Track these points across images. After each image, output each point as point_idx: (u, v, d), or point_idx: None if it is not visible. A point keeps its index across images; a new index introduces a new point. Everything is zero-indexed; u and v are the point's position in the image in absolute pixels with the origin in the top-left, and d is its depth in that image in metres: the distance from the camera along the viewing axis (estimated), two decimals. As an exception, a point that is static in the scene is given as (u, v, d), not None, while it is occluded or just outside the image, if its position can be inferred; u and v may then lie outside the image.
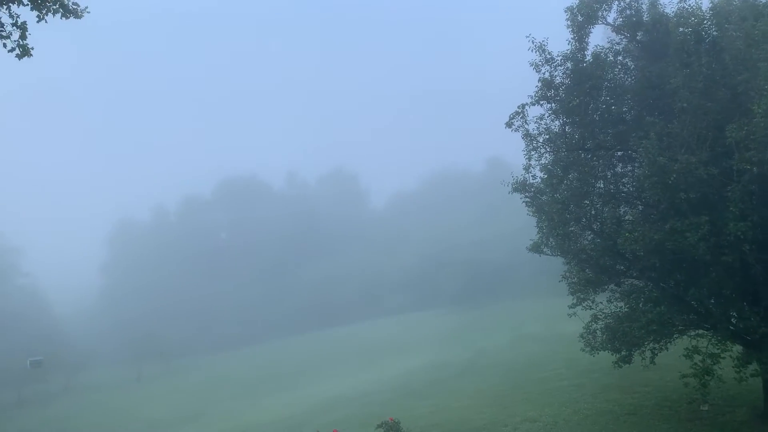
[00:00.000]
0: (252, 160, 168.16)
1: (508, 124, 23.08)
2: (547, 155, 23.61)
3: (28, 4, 15.97)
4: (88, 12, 16.26)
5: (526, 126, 23.16)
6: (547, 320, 54.59)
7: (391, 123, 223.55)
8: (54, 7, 15.78)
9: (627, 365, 22.38)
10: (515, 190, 24.03)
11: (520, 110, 22.88)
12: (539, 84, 22.84)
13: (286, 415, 40.07)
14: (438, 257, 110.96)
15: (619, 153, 23.66)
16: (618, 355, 22.08)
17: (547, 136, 23.33)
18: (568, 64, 22.39)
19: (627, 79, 23.11)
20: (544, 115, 23.40)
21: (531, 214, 24.32)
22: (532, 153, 23.57)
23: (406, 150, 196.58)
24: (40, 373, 79.13)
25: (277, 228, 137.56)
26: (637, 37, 22.78)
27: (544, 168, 23.56)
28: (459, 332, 66.89)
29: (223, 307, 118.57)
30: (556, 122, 23.33)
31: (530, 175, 23.94)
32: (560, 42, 23.24)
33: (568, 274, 24.21)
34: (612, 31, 23.50)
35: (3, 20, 16.11)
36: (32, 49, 16.33)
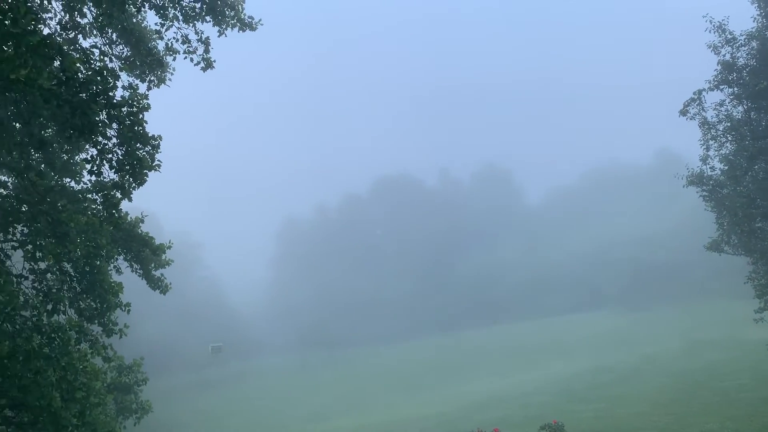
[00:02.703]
0: (405, 158, 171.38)
1: (683, 112, 21.40)
2: (728, 144, 21.65)
3: (210, 21, 17.59)
4: (262, 24, 17.54)
5: (703, 113, 21.39)
6: (727, 325, 49.85)
7: (547, 116, 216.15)
8: (232, 21, 17.22)
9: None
10: (690, 183, 22.22)
11: (696, 96, 21.14)
12: (718, 67, 20.96)
13: (443, 411, 40.33)
14: (600, 255, 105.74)
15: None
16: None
17: (729, 124, 21.34)
18: (754, 44, 20.31)
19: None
20: (724, 100, 21.44)
21: (709, 209, 22.37)
22: (711, 142, 21.73)
23: (563, 143, 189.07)
24: (220, 358, 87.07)
25: (430, 224, 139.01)
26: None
27: (724, 159, 21.61)
28: (623, 335, 63.22)
29: (382, 301, 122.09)
30: (739, 108, 21.31)
31: (708, 166, 22.09)
32: (742, 21, 21.08)
33: (754, 275, 21.95)
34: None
35: (189, 37, 17.93)
36: (214, 62, 18.00)
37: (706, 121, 21.28)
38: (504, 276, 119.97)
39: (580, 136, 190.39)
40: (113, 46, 18.14)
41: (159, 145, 15.20)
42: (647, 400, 31.74)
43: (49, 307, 16.45)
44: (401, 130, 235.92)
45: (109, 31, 18.13)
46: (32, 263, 16.84)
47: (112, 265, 19.04)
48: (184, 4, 16.80)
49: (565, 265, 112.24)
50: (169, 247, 20.50)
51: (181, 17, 17.25)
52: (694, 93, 20.95)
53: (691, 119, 21.44)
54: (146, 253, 19.68)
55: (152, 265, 20.35)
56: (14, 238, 17.26)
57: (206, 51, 17.81)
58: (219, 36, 17.33)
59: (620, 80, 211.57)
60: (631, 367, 44.55)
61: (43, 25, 15.87)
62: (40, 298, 16.83)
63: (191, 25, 17.55)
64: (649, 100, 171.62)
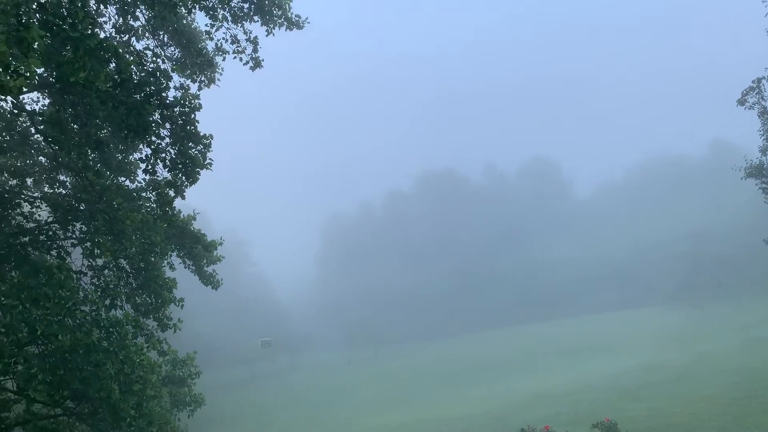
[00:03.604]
0: (450, 154, 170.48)
1: (740, 102, 20.62)
2: (790, 135, 20.69)
3: (258, 21, 17.82)
4: (308, 23, 17.68)
5: (762, 102, 20.53)
6: (787, 322, 47.92)
7: (595, 108, 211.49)
8: (280, 21, 17.40)
9: None
10: (749, 175, 21.41)
11: (755, 85, 20.35)
12: (779, 53, 20.07)
13: (489, 409, 40.03)
14: (652, 250, 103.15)
15: None
16: None
17: (791, 113, 20.42)
18: (818, 28, 19.35)
19: None
20: (786, 88, 20.51)
21: (769, 202, 21.48)
22: (772, 133, 20.80)
23: (612, 135, 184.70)
24: (269, 352, 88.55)
25: (475, 220, 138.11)
26: None
27: (786, 149, 20.67)
28: (676, 332, 61.49)
29: (426, 297, 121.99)
30: (803, 96, 20.32)
31: (768, 157, 21.17)
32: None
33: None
34: None
35: (238, 37, 18.19)
36: (263, 61, 18.23)
37: (766, 110, 20.45)
38: (551, 272, 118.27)
39: (630, 128, 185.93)
40: (165, 48, 18.56)
41: (210, 144, 15.51)
42: (703, 398, 30.80)
43: (107, 302, 17.01)
44: (446, 125, 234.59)
45: (161, 33, 18.56)
46: (91, 260, 17.43)
47: (165, 262, 19.54)
48: (233, 4, 17.06)
49: (616, 260, 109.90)
50: (220, 244, 20.91)
51: (230, 18, 17.51)
52: (753, 81, 20.17)
53: (749, 109, 20.64)
54: (198, 250, 20.11)
55: (204, 261, 20.78)
56: (73, 236, 17.90)
57: (254, 50, 18.03)
58: (267, 35, 17.53)
59: (671, 70, 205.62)
60: (686, 364, 43.31)
61: (99, 29, 16.35)
62: (99, 293, 17.40)
63: (240, 25, 17.80)
64: (703, 90, 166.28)
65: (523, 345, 77.01)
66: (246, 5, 17.16)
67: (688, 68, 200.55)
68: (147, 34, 18.55)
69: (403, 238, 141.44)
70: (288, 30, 17.62)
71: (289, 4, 17.17)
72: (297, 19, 17.51)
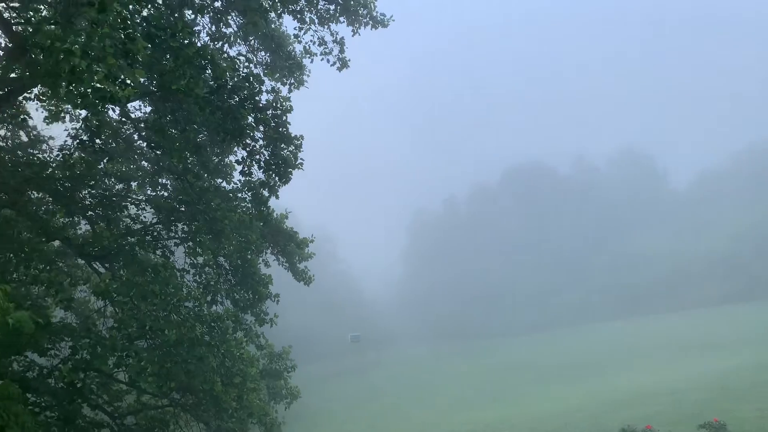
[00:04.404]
0: (537, 146, 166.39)
1: None
2: None
3: (344, 21, 18.17)
4: (393, 20, 17.83)
5: None
6: None
7: (691, 94, 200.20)
8: (365, 20, 17.66)
9: None
10: None
11: None
12: None
13: (586, 406, 38.86)
14: (757, 242, 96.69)
15: None
16: None
17: None
18: None
19: None
20: None
21: None
22: None
23: (710, 122, 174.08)
24: (358, 347, 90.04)
25: (564, 214, 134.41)
26: None
27: None
28: (789, 329, 57.39)
29: (515, 292, 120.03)
30: None
31: None
32: None
33: None
34: None
35: (325, 38, 18.60)
36: (349, 61, 18.56)
37: None
38: (647, 266, 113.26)
39: (730, 113, 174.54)
40: (256, 53, 19.26)
41: (301, 144, 15.97)
42: (824, 401, 28.58)
43: (209, 298, 17.86)
44: (532, 116, 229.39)
45: (251, 38, 19.27)
46: (192, 258, 18.35)
47: (261, 259, 20.30)
48: (320, 7, 17.46)
49: (717, 253, 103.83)
50: (312, 241, 21.51)
51: (316, 20, 17.95)
52: None
53: None
54: (291, 247, 20.77)
55: (296, 258, 21.44)
56: (176, 236, 18.90)
57: (341, 51, 18.40)
58: (353, 35, 17.83)
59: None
60: (801, 364, 40.32)
61: (195, 38, 17.17)
62: (201, 290, 18.30)
63: (326, 26, 18.23)
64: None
65: (618, 341, 74.27)
66: (332, 7, 17.55)
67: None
68: (239, 41, 19.32)
69: (490, 233, 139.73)
70: (373, 29, 17.88)
71: (374, 3, 17.41)
72: (382, 17, 17.74)
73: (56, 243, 18.54)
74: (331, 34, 18.22)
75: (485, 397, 53.77)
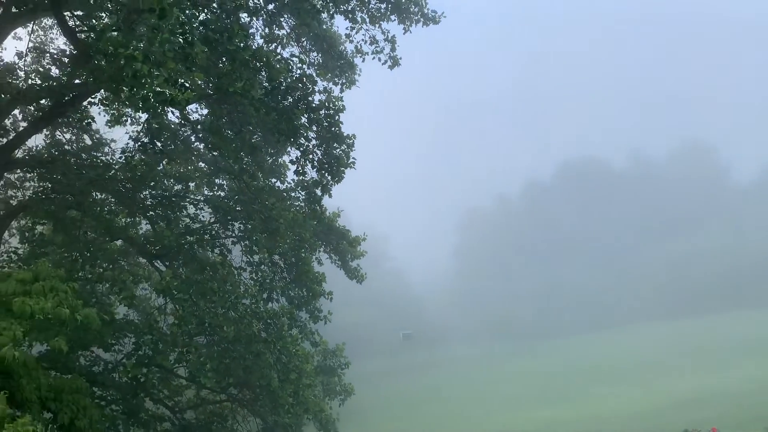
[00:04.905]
0: (591, 140, 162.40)
1: None
2: None
3: (395, 20, 18.17)
4: (445, 17, 17.73)
5: None
6: None
7: (756, 81, 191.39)
8: (416, 17, 17.62)
9: None
10: None
11: None
12: None
13: (649, 407, 37.82)
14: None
15: None
16: None
17: None
18: None
19: None
20: None
21: None
22: None
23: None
24: (410, 345, 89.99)
25: (620, 210, 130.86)
26: None
27: None
28: None
29: (570, 291, 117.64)
30: None
31: None
32: None
33: None
34: None
35: (377, 37, 18.65)
36: (400, 59, 18.56)
37: None
38: (706, 263, 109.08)
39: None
40: (308, 54, 19.46)
41: (353, 143, 16.05)
42: None
43: (265, 295, 18.17)
44: (584, 110, 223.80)
45: (304, 40, 19.49)
46: (249, 256, 18.70)
47: (314, 257, 20.52)
48: (371, 6, 17.50)
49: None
50: (364, 239, 21.63)
51: (367, 19, 18.00)
52: None
53: None
54: (344, 245, 20.94)
55: (349, 256, 21.60)
56: (233, 234, 19.31)
57: (392, 49, 18.41)
58: (404, 33, 17.82)
59: None
60: None
61: (250, 41, 17.49)
62: (257, 287, 18.64)
63: (377, 25, 18.26)
64: None
65: (678, 341, 71.84)
66: (383, 5, 17.56)
67: None
68: (291, 42, 19.57)
69: (543, 230, 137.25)
70: (425, 26, 17.83)
71: (425, 0, 17.33)
72: (433, 14, 17.66)
73: (119, 242, 19.20)
74: (383, 33, 18.26)
75: (541, 398, 52.89)
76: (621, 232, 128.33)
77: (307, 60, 18.86)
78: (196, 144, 20.82)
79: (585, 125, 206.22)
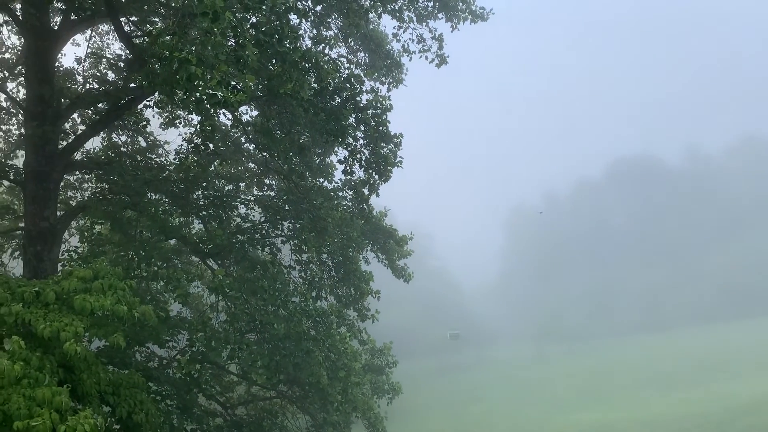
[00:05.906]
0: (645, 137, 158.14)
1: None
2: None
3: (442, 18, 18.08)
4: (493, 14, 17.54)
5: None
6: None
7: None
8: (464, 15, 17.49)
9: None
10: None
11: None
12: None
13: (703, 411, 36.66)
14: None
15: None
16: None
17: None
18: None
19: None
20: None
21: None
22: None
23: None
24: (456, 345, 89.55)
25: (675, 209, 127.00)
26: None
27: None
28: None
29: (622, 292, 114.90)
30: None
31: None
32: None
33: None
34: None
35: (424, 36, 18.60)
36: (448, 57, 18.45)
37: None
38: (766, 264, 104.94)
39: None
40: (356, 54, 19.57)
41: (400, 142, 16.06)
42: None
43: (314, 294, 18.38)
44: (637, 105, 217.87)
45: (351, 40, 19.59)
46: (298, 255, 18.95)
47: (361, 256, 20.65)
48: (419, 4, 17.47)
49: None
50: (411, 239, 21.63)
51: (415, 18, 17.98)
52: None
53: None
54: (390, 245, 20.99)
55: (396, 255, 21.64)
56: (282, 233, 19.59)
57: (440, 47, 18.34)
58: (452, 31, 17.73)
59: None
60: None
61: (300, 42, 17.70)
62: (306, 286, 18.87)
63: (424, 23, 18.22)
64: None
65: (737, 343, 69.39)
66: (431, 3, 17.51)
67: None
68: (339, 43, 19.71)
69: (594, 228, 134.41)
70: (472, 23, 17.68)
71: (473, -2, 17.21)
72: (481, 11, 17.50)
73: (173, 241, 19.73)
74: (430, 31, 18.19)
75: (590, 399, 51.96)
76: (677, 232, 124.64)
77: (355, 60, 18.97)
78: (246, 145, 21.25)
79: (638, 120, 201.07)
